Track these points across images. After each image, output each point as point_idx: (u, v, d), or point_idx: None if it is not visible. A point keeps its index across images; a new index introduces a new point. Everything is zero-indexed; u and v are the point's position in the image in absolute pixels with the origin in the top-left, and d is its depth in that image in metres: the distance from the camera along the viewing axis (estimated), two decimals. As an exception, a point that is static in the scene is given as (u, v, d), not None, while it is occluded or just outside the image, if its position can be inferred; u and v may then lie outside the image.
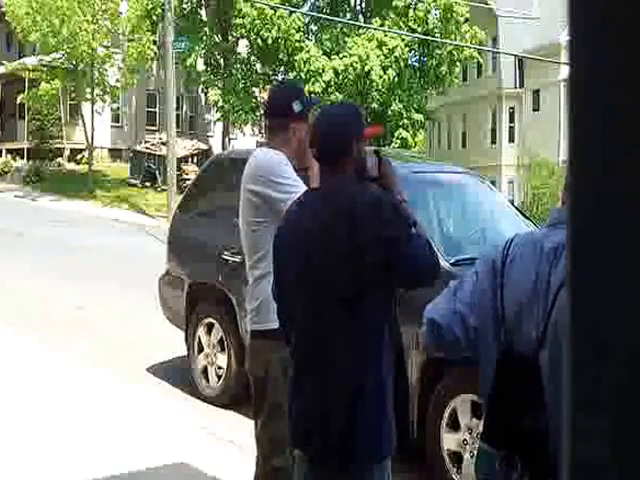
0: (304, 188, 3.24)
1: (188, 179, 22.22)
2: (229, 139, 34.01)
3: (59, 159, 32.46)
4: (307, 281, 2.66)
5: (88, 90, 28.67)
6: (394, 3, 30.22)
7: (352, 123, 2.79)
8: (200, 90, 35.63)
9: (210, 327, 6.49)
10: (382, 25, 29.53)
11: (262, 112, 32.12)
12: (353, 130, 2.75)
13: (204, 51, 31.67)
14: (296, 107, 3.36)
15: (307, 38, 31.49)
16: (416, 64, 32.02)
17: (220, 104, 31.44)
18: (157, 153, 29.13)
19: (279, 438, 3.31)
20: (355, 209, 2.58)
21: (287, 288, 2.77)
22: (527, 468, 1.98)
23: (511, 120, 40.32)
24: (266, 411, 3.36)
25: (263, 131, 38.19)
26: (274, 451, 3.35)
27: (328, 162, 2.70)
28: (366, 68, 28.96)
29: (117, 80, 29.29)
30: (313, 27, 32.77)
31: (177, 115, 27.03)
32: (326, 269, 2.60)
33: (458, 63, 32.03)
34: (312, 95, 24.31)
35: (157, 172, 28.98)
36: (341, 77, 29.34)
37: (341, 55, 29.55)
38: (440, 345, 2.33)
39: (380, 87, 29.35)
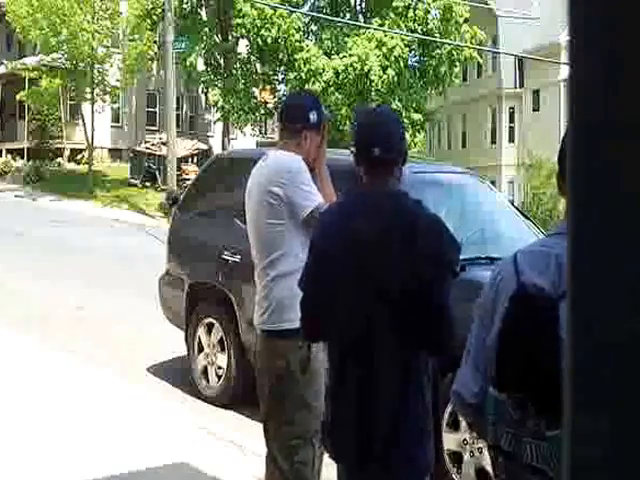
0: (319, 195, 3.40)
1: (188, 179, 22.20)
2: (229, 139, 33.98)
3: (59, 159, 32.46)
4: (357, 288, 2.61)
5: (88, 90, 28.68)
6: (394, 3, 30.20)
7: (403, 127, 2.82)
8: (200, 90, 35.61)
9: (210, 327, 6.48)
10: (382, 25, 29.52)
11: (264, 113, 32.21)
12: (404, 134, 2.79)
13: (204, 51, 31.63)
14: (312, 117, 3.52)
15: (307, 38, 31.48)
16: (416, 64, 32.02)
17: (220, 104, 31.43)
18: (157, 153, 29.12)
19: (304, 432, 3.38)
20: (417, 225, 2.58)
21: (330, 290, 2.70)
22: (542, 414, 1.96)
23: (511, 120, 40.31)
24: (288, 408, 3.40)
25: (263, 131, 38.31)
26: (298, 446, 3.39)
27: (384, 165, 2.68)
28: (366, 68, 28.95)
29: (117, 80, 29.30)
30: (313, 27, 32.74)
31: (177, 115, 27.04)
32: (379, 278, 2.57)
33: (458, 63, 32.00)
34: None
35: (157, 172, 28.95)
36: (341, 77, 29.32)
37: (341, 55, 29.54)
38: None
39: (380, 87, 29.33)
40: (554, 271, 1.98)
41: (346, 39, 29.82)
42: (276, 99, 32.26)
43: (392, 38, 29.19)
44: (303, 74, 29.29)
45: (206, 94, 34.82)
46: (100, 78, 28.65)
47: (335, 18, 29.72)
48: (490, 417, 2.11)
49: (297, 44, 29.77)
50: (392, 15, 30.31)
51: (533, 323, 1.99)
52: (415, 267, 2.53)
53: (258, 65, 33.20)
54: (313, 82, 28.84)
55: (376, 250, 2.58)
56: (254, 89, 32.54)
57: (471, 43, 30.79)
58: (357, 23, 31.02)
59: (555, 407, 1.92)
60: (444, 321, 2.56)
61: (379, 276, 2.57)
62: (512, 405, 2.02)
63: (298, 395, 3.36)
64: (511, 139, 39.95)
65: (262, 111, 32.38)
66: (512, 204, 7.59)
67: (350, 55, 29.25)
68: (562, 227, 2.18)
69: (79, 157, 32.36)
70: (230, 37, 32.68)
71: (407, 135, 31.15)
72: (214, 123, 37.31)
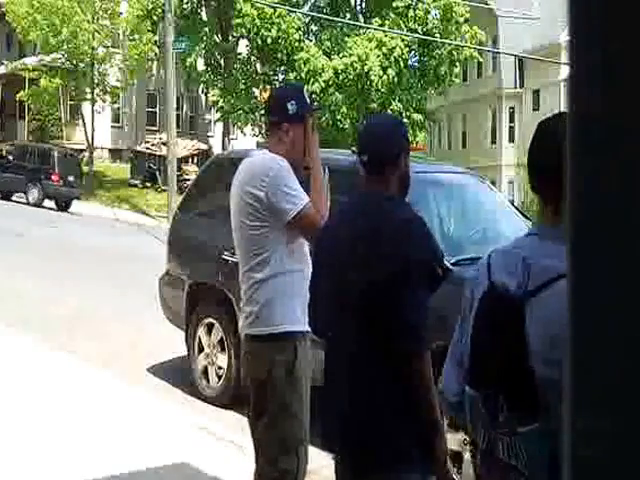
0: (305, 196, 3.27)
1: (188, 179, 22.24)
2: (229, 139, 34.00)
3: (59, 159, 32.45)
4: (337, 289, 2.68)
5: (88, 90, 28.69)
6: (394, 3, 30.23)
7: (402, 134, 2.82)
8: (200, 90, 35.64)
9: (210, 327, 6.49)
10: (382, 25, 29.54)
11: (263, 112, 32.22)
12: (402, 141, 2.78)
13: (204, 51, 31.66)
14: (291, 107, 3.34)
15: (307, 38, 31.50)
16: (416, 64, 32.04)
17: (220, 104, 31.44)
18: (157, 153, 29.14)
19: (288, 439, 3.30)
20: (384, 226, 2.60)
21: (321, 294, 2.78)
22: (513, 411, 1.96)
23: (511, 120, 40.34)
24: (272, 412, 3.32)
25: (264, 131, 38.33)
26: (282, 453, 3.32)
27: (375, 170, 2.70)
28: (366, 68, 28.97)
29: (117, 80, 29.31)
30: (313, 27, 32.78)
31: (177, 115, 27.03)
32: (353, 279, 2.61)
33: (458, 63, 32.04)
34: (313, 98, 24.36)
35: (157, 172, 28.98)
36: (341, 77, 29.35)
37: (341, 55, 29.56)
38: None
39: (380, 87, 29.36)
40: (521, 272, 1.99)
41: (346, 39, 29.84)
42: (276, 99, 32.25)
43: (392, 38, 29.21)
44: (303, 74, 29.30)
45: (206, 94, 34.85)
46: (100, 78, 28.67)
47: (335, 18, 29.74)
48: (468, 414, 2.12)
49: (297, 44, 29.79)
50: (392, 15, 30.34)
51: (500, 322, 2.01)
52: (380, 268, 2.55)
53: (258, 65, 33.23)
54: (313, 82, 28.85)
55: (349, 251, 2.64)
56: (254, 89, 32.56)
57: (471, 43, 30.80)
58: (357, 23, 31.04)
59: (525, 404, 1.93)
60: (411, 322, 2.56)
61: (350, 277, 2.61)
62: (483, 402, 2.03)
63: (282, 400, 3.29)
64: (511, 139, 39.97)
65: (262, 111, 32.38)
66: (512, 204, 7.59)
67: (350, 55, 29.28)
68: (533, 229, 2.18)
69: (79, 157, 32.38)
70: (230, 37, 32.70)
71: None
72: (214, 123, 37.33)
